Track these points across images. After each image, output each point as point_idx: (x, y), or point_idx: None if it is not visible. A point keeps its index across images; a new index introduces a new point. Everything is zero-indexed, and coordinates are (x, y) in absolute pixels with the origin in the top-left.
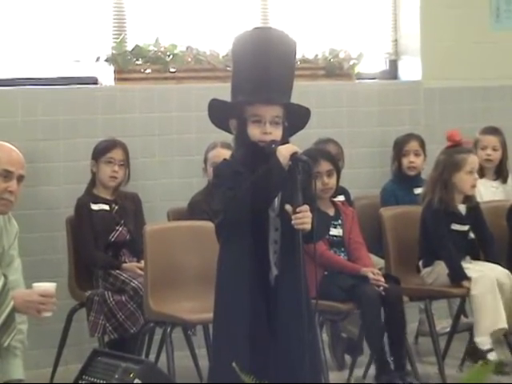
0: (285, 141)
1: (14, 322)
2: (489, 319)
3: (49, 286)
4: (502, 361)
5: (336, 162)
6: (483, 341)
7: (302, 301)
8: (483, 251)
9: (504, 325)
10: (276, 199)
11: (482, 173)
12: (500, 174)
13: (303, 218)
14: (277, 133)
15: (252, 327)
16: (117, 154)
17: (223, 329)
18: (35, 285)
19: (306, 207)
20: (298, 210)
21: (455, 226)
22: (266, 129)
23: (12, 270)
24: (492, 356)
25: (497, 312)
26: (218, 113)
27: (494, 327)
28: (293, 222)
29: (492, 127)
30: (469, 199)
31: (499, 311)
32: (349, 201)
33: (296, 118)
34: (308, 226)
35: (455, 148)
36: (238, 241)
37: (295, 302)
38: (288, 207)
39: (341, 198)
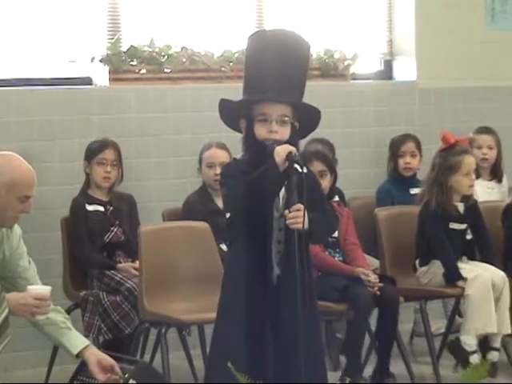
0: (295, 142)
1: (8, 329)
2: (480, 321)
3: (44, 290)
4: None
5: (330, 164)
6: (469, 341)
7: (299, 301)
8: (480, 251)
9: (494, 329)
10: (281, 199)
11: (477, 173)
12: (495, 175)
13: (296, 218)
14: (283, 132)
15: (252, 326)
16: (109, 155)
17: (222, 326)
18: (30, 288)
19: (298, 206)
20: (291, 209)
21: (453, 225)
22: (271, 127)
23: (24, 270)
24: (474, 359)
25: (489, 315)
26: (229, 113)
27: (484, 330)
28: (287, 221)
29: (486, 127)
30: (467, 198)
31: (491, 315)
32: (343, 201)
33: (307, 118)
34: (300, 226)
35: (450, 150)
36: (241, 240)
37: (296, 302)
38: (286, 212)
39: (335, 198)
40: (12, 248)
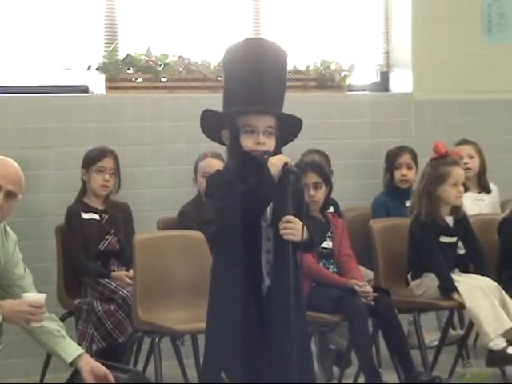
0: (277, 151)
1: (1, 337)
2: (493, 324)
3: (39, 297)
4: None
5: (325, 175)
6: (497, 342)
7: (291, 312)
8: (473, 263)
9: (510, 324)
10: (268, 209)
11: (465, 187)
12: (483, 186)
13: (286, 229)
14: (270, 143)
15: (244, 338)
16: (108, 163)
17: (215, 339)
18: (25, 295)
19: (288, 218)
20: (286, 220)
21: (443, 238)
22: (259, 139)
23: (19, 277)
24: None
25: (499, 315)
26: (211, 123)
27: (503, 329)
28: (281, 232)
29: (464, 139)
30: (456, 211)
31: (501, 314)
32: (338, 212)
33: (288, 128)
34: (295, 238)
35: (440, 160)
36: (230, 251)
37: (287, 313)
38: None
39: (330, 209)
40: (7, 255)
